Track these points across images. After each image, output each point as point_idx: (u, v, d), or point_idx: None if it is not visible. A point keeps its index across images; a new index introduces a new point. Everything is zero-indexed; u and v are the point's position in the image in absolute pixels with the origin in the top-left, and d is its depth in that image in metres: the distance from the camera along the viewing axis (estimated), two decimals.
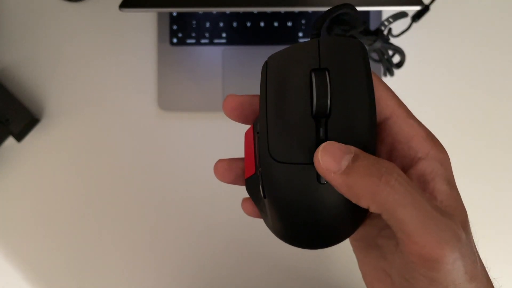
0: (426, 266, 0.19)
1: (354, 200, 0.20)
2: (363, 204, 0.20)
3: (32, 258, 0.53)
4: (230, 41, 0.53)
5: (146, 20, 0.54)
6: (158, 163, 0.53)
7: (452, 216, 0.20)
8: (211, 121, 0.53)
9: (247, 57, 0.53)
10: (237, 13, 0.53)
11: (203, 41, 0.53)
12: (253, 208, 0.26)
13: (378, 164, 0.20)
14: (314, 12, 0.53)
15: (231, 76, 0.53)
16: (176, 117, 0.54)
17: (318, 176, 0.21)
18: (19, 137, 0.52)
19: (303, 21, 0.53)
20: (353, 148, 0.20)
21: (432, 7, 0.46)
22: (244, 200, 0.26)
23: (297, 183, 0.21)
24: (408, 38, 0.51)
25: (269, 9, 0.50)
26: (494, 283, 0.21)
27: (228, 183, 0.26)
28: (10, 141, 0.53)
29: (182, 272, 0.53)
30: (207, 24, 0.53)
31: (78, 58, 0.54)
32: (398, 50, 0.45)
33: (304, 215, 0.21)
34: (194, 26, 0.53)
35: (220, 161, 0.26)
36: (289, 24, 0.53)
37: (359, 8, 0.43)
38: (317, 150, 0.20)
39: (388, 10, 0.52)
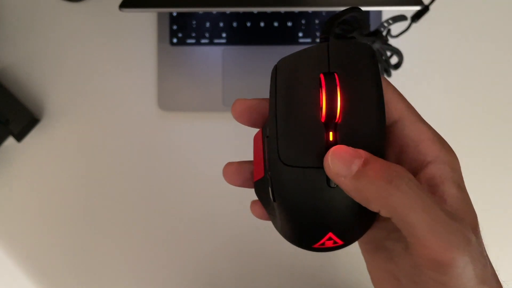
0: (436, 269, 0.19)
1: (364, 204, 0.20)
2: (373, 208, 0.20)
3: (33, 258, 0.53)
4: (230, 41, 0.53)
5: (146, 20, 0.54)
6: (158, 163, 0.53)
7: (462, 220, 0.20)
8: (211, 121, 0.53)
9: (247, 57, 0.53)
10: (237, 13, 0.53)
11: (203, 41, 0.53)
12: (261, 210, 0.26)
13: (388, 168, 0.20)
14: (314, 12, 0.53)
15: (231, 76, 0.53)
16: (176, 117, 0.54)
17: (328, 180, 0.21)
18: (19, 137, 0.52)
19: (303, 21, 0.53)
20: (362, 152, 0.20)
21: (431, 7, 0.46)
22: (253, 202, 0.26)
23: (307, 186, 0.21)
24: (407, 39, 0.51)
25: (269, 9, 0.50)
26: (504, 286, 0.21)
27: (237, 186, 0.26)
28: (10, 141, 0.53)
29: (183, 273, 0.53)
30: (207, 24, 0.53)
31: (78, 58, 0.54)
32: (396, 52, 0.45)
33: (314, 218, 0.21)
34: (194, 26, 0.53)
35: (228, 164, 0.26)
36: (289, 24, 0.53)
37: None
38: (326, 154, 0.20)
39: (388, 10, 0.52)
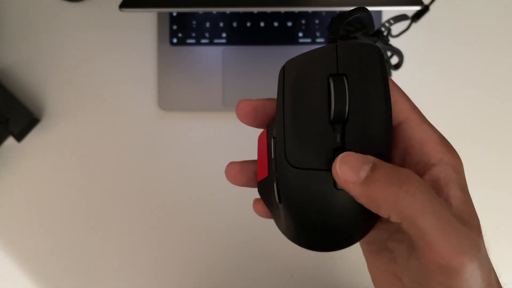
0: (444, 274, 0.19)
1: (374, 210, 0.20)
2: (383, 213, 0.20)
3: (32, 258, 0.53)
4: (230, 41, 0.53)
5: (146, 20, 0.54)
6: (158, 163, 0.53)
7: (471, 225, 0.20)
8: (211, 121, 0.53)
9: (247, 57, 0.53)
10: (237, 13, 0.53)
11: (203, 41, 0.53)
12: (264, 209, 0.26)
13: (398, 172, 0.20)
14: (314, 12, 0.53)
15: (231, 76, 0.53)
16: (176, 117, 0.54)
17: (334, 182, 0.21)
18: (19, 137, 0.52)
19: (303, 21, 0.53)
20: (371, 158, 0.20)
21: (431, 7, 0.46)
22: (256, 201, 0.26)
23: (314, 189, 0.21)
24: (407, 39, 0.51)
25: (269, 9, 0.50)
26: None
27: (240, 186, 0.26)
28: (10, 141, 0.53)
29: (183, 273, 0.53)
30: (207, 24, 0.53)
31: (78, 58, 0.54)
32: (397, 52, 0.45)
33: (319, 220, 0.21)
34: (194, 26, 0.53)
35: (231, 164, 0.26)
36: (289, 24, 0.53)
37: None
38: (335, 161, 0.20)
39: (388, 10, 0.52)
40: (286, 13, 0.53)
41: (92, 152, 0.53)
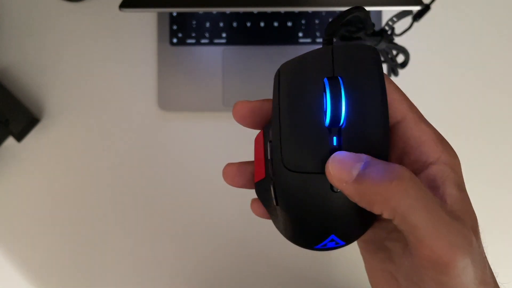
0: (437, 270, 0.19)
1: (367, 208, 0.20)
2: (376, 210, 0.20)
3: (32, 258, 0.53)
4: (230, 41, 0.53)
5: (146, 20, 0.54)
6: (158, 163, 0.53)
7: (464, 221, 0.20)
8: (211, 121, 0.53)
9: (247, 57, 0.53)
10: (237, 13, 0.53)
11: (203, 41, 0.53)
12: (262, 209, 0.26)
13: (389, 169, 0.20)
14: (314, 12, 0.53)
15: (231, 76, 0.53)
16: (176, 117, 0.54)
17: (331, 185, 0.21)
18: (19, 137, 0.52)
19: (303, 21, 0.53)
20: (363, 156, 0.20)
21: (432, 6, 0.46)
22: (253, 201, 0.26)
23: (311, 192, 0.21)
24: (409, 38, 0.51)
25: (269, 9, 0.50)
26: None
27: (237, 187, 0.26)
28: (10, 141, 0.53)
29: (183, 273, 0.53)
30: (207, 24, 0.53)
31: (78, 58, 0.54)
32: (403, 50, 0.45)
33: (317, 222, 0.21)
34: (194, 26, 0.53)
35: (229, 165, 0.26)
36: (289, 24, 0.53)
37: None
38: (327, 161, 0.20)
39: (388, 10, 0.52)
40: (286, 13, 0.53)
41: (92, 152, 0.53)
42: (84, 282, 0.53)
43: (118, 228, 0.53)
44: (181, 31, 0.53)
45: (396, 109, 0.22)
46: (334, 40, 0.25)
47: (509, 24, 0.53)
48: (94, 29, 0.54)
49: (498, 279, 0.21)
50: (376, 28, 0.46)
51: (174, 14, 0.53)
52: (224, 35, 0.53)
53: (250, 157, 0.26)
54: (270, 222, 0.25)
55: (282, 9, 0.50)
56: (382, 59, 0.46)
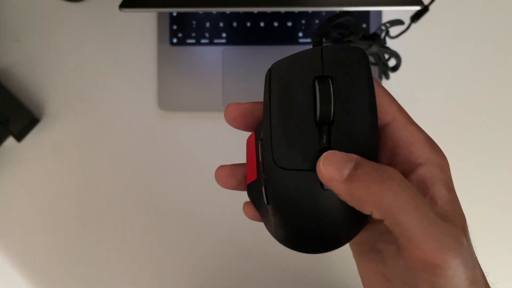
0: (428, 271, 0.19)
1: (357, 207, 0.20)
2: (366, 210, 0.20)
3: (32, 258, 0.53)
4: (230, 41, 0.53)
5: (146, 20, 0.54)
6: (158, 162, 0.53)
7: (454, 222, 0.20)
8: (211, 121, 0.53)
9: (247, 57, 0.53)
10: (237, 13, 0.53)
11: (203, 41, 0.53)
12: (254, 212, 0.26)
13: (380, 170, 0.20)
14: (314, 12, 0.53)
15: (231, 76, 0.53)
16: (176, 117, 0.54)
17: (321, 183, 0.21)
18: (19, 137, 0.52)
19: (303, 21, 0.53)
20: (354, 156, 0.20)
21: (431, 7, 0.46)
22: (246, 204, 0.26)
23: (301, 189, 0.21)
24: (407, 39, 0.51)
25: (269, 9, 0.50)
26: None
27: (230, 189, 0.26)
28: (10, 141, 0.53)
29: (182, 273, 0.53)
30: (207, 24, 0.53)
31: (78, 58, 0.54)
32: (394, 54, 0.45)
33: (307, 221, 0.22)
34: (194, 26, 0.53)
35: (221, 167, 0.26)
36: (289, 24, 0.53)
37: (359, 9, 0.43)
38: (319, 160, 0.20)
39: (388, 10, 0.52)
40: (286, 13, 0.53)
41: (92, 152, 0.53)
42: (84, 282, 0.53)
43: (118, 228, 0.53)
44: (181, 31, 0.53)
45: (385, 111, 0.23)
46: (324, 41, 0.25)
47: (506, 27, 0.53)
48: (94, 29, 0.54)
49: (488, 279, 0.21)
50: (372, 31, 0.47)
51: (174, 14, 0.53)
52: (224, 35, 0.53)
53: None
54: None
55: (282, 9, 0.50)
56: (374, 62, 0.46)
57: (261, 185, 0.23)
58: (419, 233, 0.19)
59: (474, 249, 0.21)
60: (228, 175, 0.26)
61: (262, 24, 0.53)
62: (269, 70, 0.23)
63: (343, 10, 0.24)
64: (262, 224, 0.25)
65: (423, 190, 0.22)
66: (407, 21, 0.46)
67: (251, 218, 0.26)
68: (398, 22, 0.45)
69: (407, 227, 0.19)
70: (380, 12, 0.53)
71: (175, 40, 0.53)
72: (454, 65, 0.53)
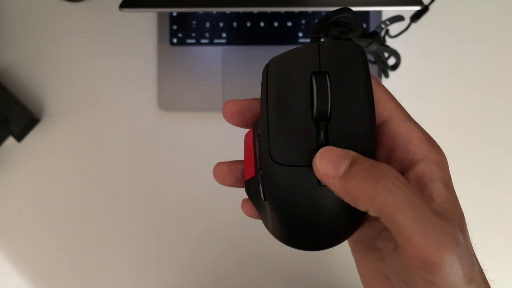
0: (424, 269, 0.19)
1: (353, 204, 0.20)
2: (361, 207, 0.20)
3: (32, 258, 0.53)
4: (230, 41, 0.53)
5: (146, 20, 0.54)
6: (158, 163, 0.53)
7: (450, 219, 0.20)
8: (211, 121, 0.53)
9: (247, 57, 0.53)
10: (237, 13, 0.53)
11: (203, 41, 0.53)
12: (252, 209, 0.26)
13: (376, 167, 0.20)
14: (314, 12, 0.53)
15: (231, 76, 0.53)
16: (176, 117, 0.54)
17: (318, 179, 0.21)
18: (19, 137, 0.52)
19: (303, 21, 0.53)
20: (351, 153, 0.20)
21: (431, 7, 0.46)
22: (244, 201, 0.26)
23: (298, 185, 0.21)
24: (407, 39, 0.51)
25: (269, 9, 0.50)
26: (492, 286, 0.21)
27: (228, 186, 0.26)
28: (10, 141, 0.53)
29: (182, 272, 0.53)
30: (207, 24, 0.53)
31: (78, 58, 0.54)
32: (394, 53, 0.45)
33: (304, 217, 0.21)
34: (194, 26, 0.53)
35: (219, 164, 0.26)
36: (289, 24, 0.53)
37: (359, 8, 0.43)
38: (315, 156, 0.20)
39: (388, 10, 0.52)
40: (286, 13, 0.53)
41: (92, 152, 0.53)
42: (84, 282, 0.53)
43: (118, 227, 0.53)
44: (181, 31, 0.53)
45: (382, 108, 0.23)
46: (322, 39, 0.25)
47: (506, 27, 0.53)
48: (94, 29, 0.54)
49: (487, 276, 0.21)
50: (372, 28, 0.47)
51: (174, 14, 0.53)
52: (224, 35, 0.53)
53: None
54: None
55: (282, 9, 0.50)
56: (373, 60, 0.46)
57: (259, 182, 0.23)
58: (414, 230, 0.19)
59: (472, 246, 0.21)
60: (226, 172, 0.26)
61: (262, 24, 0.53)
62: (266, 66, 0.23)
63: (350, 6, 0.24)
64: (261, 222, 0.25)
65: (421, 187, 0.22)
66: (407, 21, 0.46)
67: (250, 216, 0.26)
68: (398, 18, 0.44)
69: (402, 225, 0.19)
70: (380, 12, 0.53)
71: (175, 40, 0.53)
72: (453, 65, 0.53)
